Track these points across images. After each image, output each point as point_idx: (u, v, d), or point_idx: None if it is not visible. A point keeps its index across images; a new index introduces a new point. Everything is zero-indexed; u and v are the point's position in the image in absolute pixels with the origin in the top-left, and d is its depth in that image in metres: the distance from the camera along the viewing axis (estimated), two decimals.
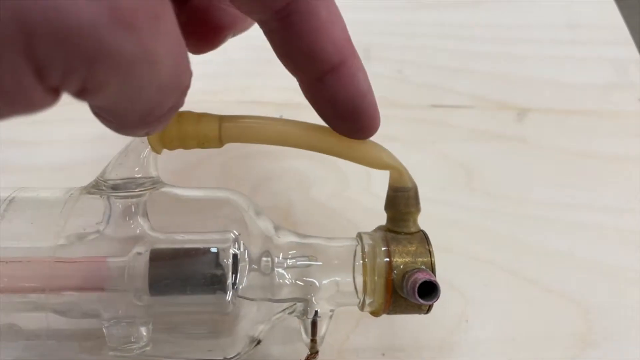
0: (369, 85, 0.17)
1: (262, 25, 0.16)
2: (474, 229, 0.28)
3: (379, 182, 0.29)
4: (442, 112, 0.32)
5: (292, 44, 0.16)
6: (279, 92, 0.32)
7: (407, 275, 0.18)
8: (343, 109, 0.17)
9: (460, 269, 0.26)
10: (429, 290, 0.17)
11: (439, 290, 0.17)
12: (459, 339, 0.25)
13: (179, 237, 0.19)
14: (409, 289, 0.18)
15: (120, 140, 0.29)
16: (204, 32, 0.20)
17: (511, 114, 0.32)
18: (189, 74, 0.14)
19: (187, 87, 0.14)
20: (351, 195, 0.29)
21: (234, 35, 0.21)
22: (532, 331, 0.25)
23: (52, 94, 0.11)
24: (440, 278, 0.25)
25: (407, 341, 0.24)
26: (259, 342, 0.20)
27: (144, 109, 0.13)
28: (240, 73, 0.33)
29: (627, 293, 0.26)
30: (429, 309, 0.20)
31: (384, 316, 0.24)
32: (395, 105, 0.33)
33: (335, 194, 0.29)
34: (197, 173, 0.29)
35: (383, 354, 0.24)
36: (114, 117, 0.13)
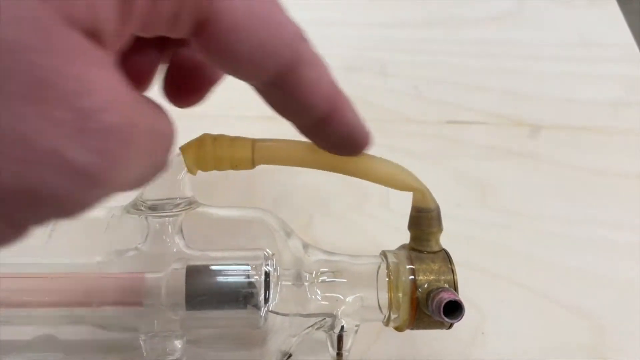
0: (358, 116, 0.18)
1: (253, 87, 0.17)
2: (488, 245, 0.29)
3: (397, 198, 0.30)
4: (457, 128, 0.33)
5: (283, 105, 0.17)
6: None
7: (432, 294, 0.19)
8: (338, 143, 0.19)
9: (475, 284, 0.27)
10: (454, 309, 0.18)
11: (464, 310, 0.18)
12: (475, 352, 0.25)
13: (213, 254, 0.20)
14: (434, 308, 0.19)
15: None
16: (189, 85, 0.20)
17: (524, 130, 0.33)
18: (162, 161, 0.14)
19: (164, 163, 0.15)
20: (370, 210, 0.30)
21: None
22: (546, 344, 0.26)
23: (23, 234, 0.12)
24: None
25: (426, 353, 0.25)
26: (289, 356, 0.21)
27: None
28: None
29: (639, 308, 0.27)
30: (450, 325, 0.20)
31: None
32: (410, 121, 0.34)
33: (354, 209, 0.30)
34: (221, 188, 0.30)
35: None
36: None
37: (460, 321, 0.22)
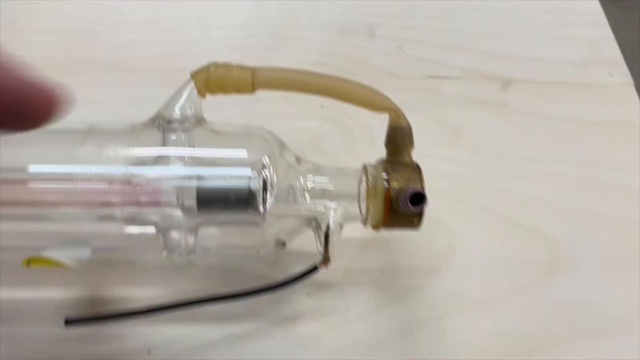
0: (27, 73, 0.14)
1: None
2: (461, 178, 0.33)
3: (381, 141, 0.33)
4: (437, 82, 0.37)
5: None
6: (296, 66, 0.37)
7: (401, 192, 0.23)
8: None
9: (448, 210, 0.31)
10: (419, 199, 0.22)
11: (426, 199, 0.22)
12: (447, 264, 0.29)
13: (220, 163, 0.24)
14: (402, 200, 0.22)
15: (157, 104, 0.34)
16: None
17: (497, 84, 0.37)
18: None
19: None
20: (357, 150, 0.34)
21: None
22: (508, 259, 0.30)
23: None
24: (431, 216, 0.30)
25: (403, 265, 0.29)
26: (284, 244, 0.25)
27: None
28: (260, 47, 0.38)
29: (589, 230, 0.31)
30: (419, 222, 0.24)
31: (383, 244, 0.29)
32: (396, 76, 0.37)
33: (344, 149, 0.34)
34: None
35: (382, 274, 0.29)
36: None
37: (434, 240, 0.26)
